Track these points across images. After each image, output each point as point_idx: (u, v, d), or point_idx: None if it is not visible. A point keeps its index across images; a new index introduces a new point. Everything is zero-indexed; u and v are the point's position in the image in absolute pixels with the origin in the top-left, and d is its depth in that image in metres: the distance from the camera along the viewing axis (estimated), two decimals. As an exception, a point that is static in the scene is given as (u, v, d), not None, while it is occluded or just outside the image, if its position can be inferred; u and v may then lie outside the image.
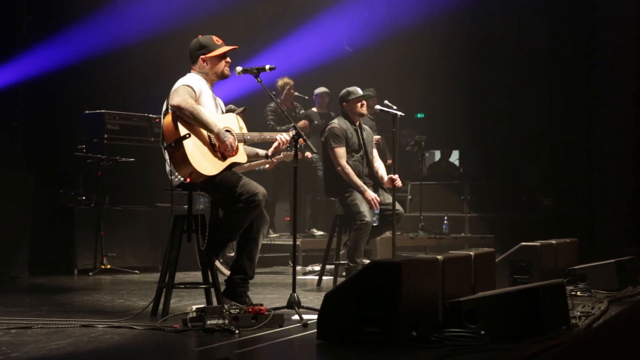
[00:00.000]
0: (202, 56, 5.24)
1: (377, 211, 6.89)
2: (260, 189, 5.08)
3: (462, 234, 10.61)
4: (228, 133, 5.10)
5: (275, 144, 5.34)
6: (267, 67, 5.28)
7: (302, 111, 9.83)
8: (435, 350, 3.80)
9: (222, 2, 10.38)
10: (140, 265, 8.25)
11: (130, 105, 8.96)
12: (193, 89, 5.07)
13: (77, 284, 7.29)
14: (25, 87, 8.79)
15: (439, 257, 4.53)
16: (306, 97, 9.91)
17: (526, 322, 4.18)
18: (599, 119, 11.09)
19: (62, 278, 7.60)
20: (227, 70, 5.31)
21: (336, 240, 7.20)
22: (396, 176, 6.94)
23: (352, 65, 11.78)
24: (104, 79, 9.50)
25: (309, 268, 8.46)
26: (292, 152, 5.28)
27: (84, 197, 8.19)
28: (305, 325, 4.58)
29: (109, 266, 7.95)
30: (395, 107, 7.29)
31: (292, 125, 5.29)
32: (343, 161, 6.98)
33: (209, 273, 5.10)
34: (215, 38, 5.29)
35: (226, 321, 4.35)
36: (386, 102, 7.34)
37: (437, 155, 12.91)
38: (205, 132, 5.04)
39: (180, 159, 4.94)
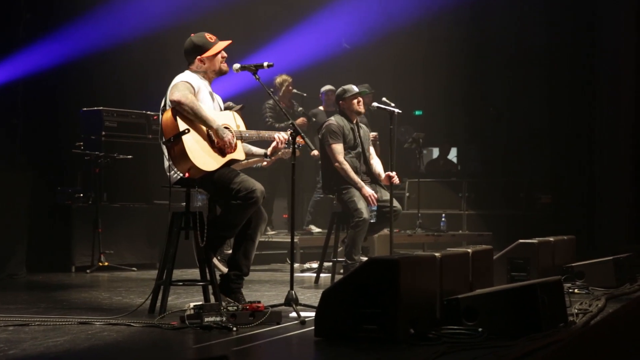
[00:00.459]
0: (199, 57, 5.23)
1: (374, 208, 6.89)
2: (258, 186, 5.08)
3: (460, 231, 10.61)
4: (227, 130, 5.10)
5: (274, 144, 5.34)
6: (265, 64, 5.27)
7: (300, 108, 9.82)
8: (433, 348, 3.80)
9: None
10: (137, 262, 8.25)
11: (128, 103, 8.96)
12: (192, 86, 5.08)
13: (75, 281, 7.28)
14: (23, 84, 8.77)
15: (436, 254, 4.53)
16: (304, 95, 9.91)
17: (524, 320, 4.18)
18: (599, 116, 11.09)
19: (60, 275, 7.60)
20: (224, 66, 5.31)
21: (334, 237, 7.19)
22: (394, 173, 6.94)
23: (350, 63, 11.78)
24: (102, 76, 9.49)
25: (307, 265, 8.46)
26: (290, 150, 5.27)
27: (81, 195, 8.18)
28: (302, 322, 4.58)
29: (106, 263, 7.95)
30: (393, 104, 7.30)
31: (290, 122, 5.28)
32: (341, 157, 6.98)
33: (207, 270, 5.10)
34: (208, 36, 5.27)
35: (224, 318, 4.35)
36: (384, 99, 7.35)
37: (435, 152, 12.91)
38: (204, 128, 5.04)
39: (179, 154, 4.93)
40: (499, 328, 4.16)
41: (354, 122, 7.19)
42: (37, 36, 8.91)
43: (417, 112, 12.64)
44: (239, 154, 5.22)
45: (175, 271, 5.10)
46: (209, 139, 5.06)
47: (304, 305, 5.02)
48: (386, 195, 6.98)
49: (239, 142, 5.22)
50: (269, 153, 5.43)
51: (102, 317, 4.70)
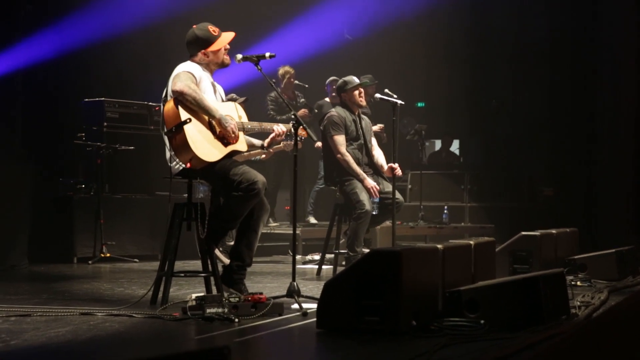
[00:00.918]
0: (203, 50, 5.21)
1: (376, 200, 6.87)
2: (259, 178, 5.07)
3: (462, 224, 10.61)
4: (229, 118, 5.09)
5: (272, 135, 5.34)
6: (267, 54, 5.25)
7: (302, 100, 9.80)
8: (434, 339, 3.79)
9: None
10: (139, 253, 8.25)
11: (130, 93, 8.95)
12: (194, 76, 5.06)
13: (77, 272, 7.29)
14: (24, 75, 8.74)
15: (439, 246, 4.52)
16: (306, 86, 9.89)
17: (526, 312, 4.18)
18: (600, 109, 11.07)
19: (62, 266, 7.61)
20: (227, 59, 5.29)
21: (336, 229, 7.19)
22: (396, 165, 6.92)
23: (353, 54, 11.76)
24: (104, 67, 9.47)
25: (309, 257, 8.46)
26: (292, 142, 5.26)
27: (83, 186, 8.18)
28: (304, 314, 4.57)
29: (108, 254, 7.95)
30: (395, 96, 7.27)
31: (292, 113, 5.27)
32: (343, 149, 6.96)
33: (209, 261, 5.10)
34: (211, 28, 5.24)
35: (226, 310, 4.35)
36: (386, 90, 7.32)
37: (438, 144, 12.90)
38: (206, 118, 5.03)
39: (181, 144, 4.92)
40: (501, 320, 4.15)
41: (356, 113, 7.18)
42: (38, 27, 8.88)
43: (419, 104, 12.61)
44: (241, 145, 5.21)
45: (177, 262, 5.09)
46: (211, 130, 5.05)
47: (306, 296, 5.02)
48: (388, 187, 6.97)
49: (241, 134, 5.21)
50: (266, 144, 5.42)
51: (104, 308, 4.70)
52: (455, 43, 12.11)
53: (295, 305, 4.79)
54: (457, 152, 12.63)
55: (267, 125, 5.40)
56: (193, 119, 4.94)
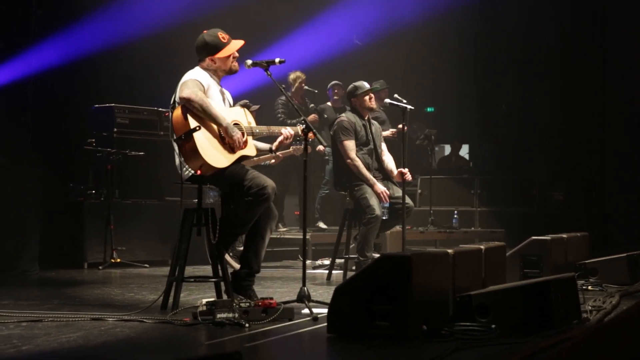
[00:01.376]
0: (211, 57, 5.21)
1: (386, 204, 6.86)
2: (269, 183, 5.08)
3: (472, 228, 10.58)
4: (236, 127, 5.10)
5: (280, 138, 5.34)
6: (277, 60, 5.25)
7: (312, 105, 9.82)
8: (445, 344, 3.78)
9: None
10: (150, 259, 8.26)
11: (140, 99, 8.97)
12: (201, 83, 5.07)
13: (87, 277, 7.30)
14: (35, 81, 8.79)
15: (449, 250, 4.51)
16: (316, 91, 9.91)
17: (537, 316, 4.16)
18: (611, 113, 11.04)
19: (72, 272, 7.62)
20: (235, 66, 5.29)
21: (346, 234, 7.18)
22: (406, 170, 6.91)
23: (362, 59, 11.76)
24: (114, 73, 9.50)
25: (319, 262, 8.45)
26: (302, 146, 5.26)
27: (93, 191, 8.20)
28: (315, 319, 4.57)
29: (118, 260, 7.97)
30: (405, 101, 7.27)
31: (302, 118, 5.26)
32: (353, 154, 6.96)
33: (219, 267, 5.10)
34: (221, 35, 5.24)
35: (236, 315, 4.35)
36: (396, 95, 7.33)
37: (447, 149, 12.88)
38: (214, 125, 5.03)
39: (191, 152, 4.93)
40: (511, 325, 4.14)
41: (366, 118, 7.18)
42: (48, 33, 8.93)
43: (428, 109, 12.60)
44: (250, 150, 5.22)
45: (187, 268, 5.10)
46: (219, 136, 5.05)
47: (317, 301, 5.01)
48: (398, 192, 6.96)
49: (249, 138, 5.21)
50: (274, 148, 5.42)
51: (114, 313, 4.71)
52: (464, 48, 12.10)
53: (306, 310, 4.79)
54: (466, 156, 12.61)
55: (275, 128, 5.40)
56: (202, 127, 4.95)
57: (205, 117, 4.98)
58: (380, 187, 6.89)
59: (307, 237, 6.16)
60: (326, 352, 3.96)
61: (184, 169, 5.08)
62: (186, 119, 4.93)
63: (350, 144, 6.98)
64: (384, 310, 3.95)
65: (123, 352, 3.81)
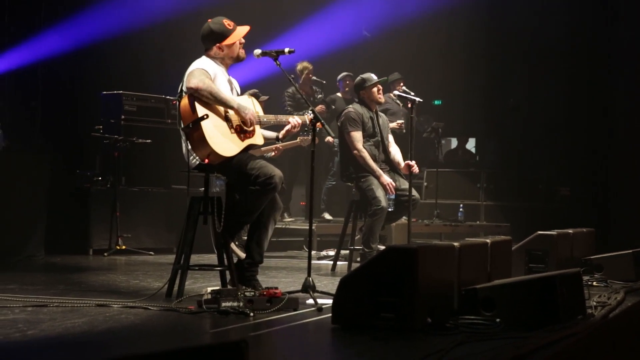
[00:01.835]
0: (218, 44, 5.20)
1: (392, 196, 6.86)
2: (277, 172, 5.07)
3: (478, 222, 10.58)
4: (247, 107, 5.09)
5: (288, 127, 5.32)
6: (287, 50, 5.24)
7: (320, 95, 9.81)
8: (450, 337, 3.79)
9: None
10: (155, 246, 8.27)
11: (148, 87, 8.97)
12: (208, 72, 5.06)
13: (92, 264, 7.32)
14: (43, 67, 8.81)
15: (455, 244, 4.51)
16: (324, 82, 9.89)
17: (542, 311, 4.16)
18: (617, 109, 11.01)
19: (78, 258, 7.64)
20: (242, 53, 5.28)
21: (351, 225, 7.18)
22: (413, 162, 6.90)
23: (370, 51, 11.75)
24: (122, 60, 9.51)
25: (324, 253, 8.45)
26: (309, 137, 5.26)
27: (100, 178, 8.21)
28: (320, 309, 4.58)
29: (124, 247, 7.98)
30: (412, 94, 7.27)
31: (310, 109, 5.25)
32: (359, 145, 6.95)
33: (224, 255, 5.10)
34: (226, 22, 5.23)
35: (241, 304, 4.35)
36: (404, 87, 7.32)
37: (454, 142, 12.87)
38: (222, 113, 5.03)
39: (199, 140, 4.93)
40: (516, 319, 4.14)
41: (374, 110, 7.17)
42: (57, 20, 8.94)
43: (436, 102, 12.59)
44: (258, 139, 5.21)
45: (193, 256, 5.10)
46: (227, 124, 5.05)
47: (321, 292, 5.02)
48: (404, 184, 6.96)
49: (257, 127, 5.21)
50: (281, 137, 5.41)
51: (119, 300, 4.72)
52: (473, 41, 12.07)
53: (311, 301, 4.79)
54: (473, 150, 12.60)
55: (282, 117, 5.39)
56: (209, 115, 4.94)
57: (215, 102, 4.97)
58: (386, 178, 6.89)
59: (313, 227, 6.18)
60: (330, 343, 3.96)
61: (191, 157, 5.08)
62: (194, 107, 4.93)
63: (357, 135, 6.97)
64: (389, 302, 3.95)
65: (128, 339, 3.82)
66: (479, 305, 4.25)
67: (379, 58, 11.47)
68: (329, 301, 4.39)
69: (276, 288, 4.60)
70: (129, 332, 3.94)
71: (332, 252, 7.99)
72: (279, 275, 6.60)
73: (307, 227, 5.26)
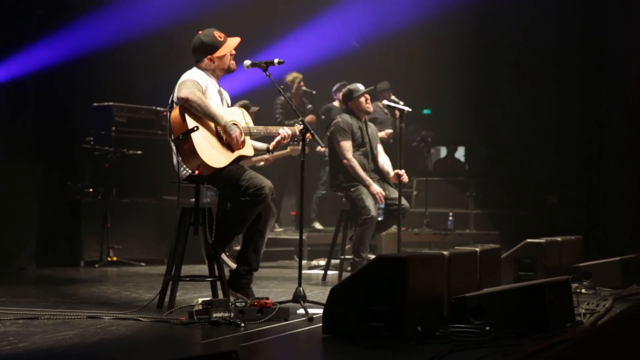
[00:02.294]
0: (209, 56, 5.23)
1: (382, 205, 6.89)
2: (267, 183, 5.10)
3: (467, 230, 10.62)
4: (234, 126, 5.12)
5: (278, 138, 5.35)
6: (276, 61, 5.27)
7: (309, 105, 9.84)
8: (440, 346, 3.81)
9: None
10: (146, 257, 8.27)
11: (138, 98, 8.98)
12: (199, 84, 5.09)
13: (84, 275, 7.32)
14: (34, 79, 8.81)
15: (445, 252, 4.54)
16: (313, 92, 9.92)
17: (531, 319, 4.19)
18: (607, 117, 11.08)
19: (69, 270, 7.64)
20: (232, 65, 5.31)
21: (342, 234, 7.21)
22: (403, 171, 6.94)
23: (360, 61, 11.78)
24: (113, 72, 9.52)
25: (314, 262, 8.47)
26: (299, 147, 5.29)
27: (91, 189, 8.21)
28: (310, 319, 4.59)
29: (115, 258, 7.98)
30: (402, 103, 7.31)
31: (299, 119, 5.29)
32: (349, 154, 6.99)
33: (215, 266, 5.12)
34: (217, 34, 5.26)
35: (232, 314, 4.37)
36: (393, 97, 7.36)
37: (443, 151, 12.91)
38: (212, 125, 5.05)
39: (189, 152, 4.95)
40: (506, 327, 4.17)
41: (363, 120, 7.20)
42: (48, 32, 8.94)
43: (425, 111, 12.64)
44: (247, 150, 5.24)
45: (184, 267, 5.11)
46: (217, 136, 5.07)
47: (312, 302, 5.04)
48: (394, 193, 6.99)
49: (247, 138, 5.23)
50: (271, 148, 5.44)
51: (110, 312, 4.73)
52: (462, 50, 12.13)
53: (301, 311, 4.81)
54: (462, 159, 12.65)
55: (272, 128, 5.42)
56: (200, 127, 4.97)
57: (204, 116, 5.00)
58: (376, 187, 6.92)
59: (303, 237, 6.22)
60: (321, 353, 3.98)
61: (182, 168, 5.10)
62: (184, 119, 4.95)
63: (346, 145, 7.01)
64: (379, 311, 3.97)
65: (119, 351, 3.83)
66: (469, 313, 4.28)
67: (368, 68, 11.51)
68: (320, 311, 4.41)
69: (267, 298, 4.62)
70: (120, 343, 3.95)
71: (322, 262, 8.02)
72: (270, 285, 6.61)
73: (298, 237, 5.28)
